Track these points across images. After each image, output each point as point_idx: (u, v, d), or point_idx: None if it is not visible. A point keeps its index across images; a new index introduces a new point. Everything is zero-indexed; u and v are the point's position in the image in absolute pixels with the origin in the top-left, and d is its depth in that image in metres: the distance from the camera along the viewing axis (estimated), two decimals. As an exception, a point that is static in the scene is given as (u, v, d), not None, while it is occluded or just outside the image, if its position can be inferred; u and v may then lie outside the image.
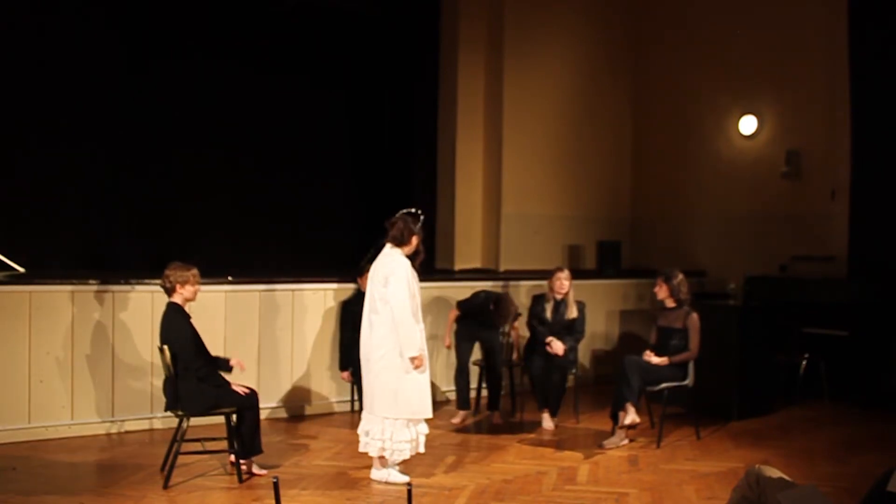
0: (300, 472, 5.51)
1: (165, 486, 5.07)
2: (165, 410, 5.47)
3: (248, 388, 5.44)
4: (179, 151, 9.07)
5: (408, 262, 5.38)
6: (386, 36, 10.33)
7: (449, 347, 7.32)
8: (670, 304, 6.63)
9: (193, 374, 5.23)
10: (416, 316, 5.28)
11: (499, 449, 6.22)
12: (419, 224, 5.45)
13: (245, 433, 5.30)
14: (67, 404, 6.28)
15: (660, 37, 10.32)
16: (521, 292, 8.47)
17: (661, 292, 6.64)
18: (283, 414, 7.15)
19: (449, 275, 8.87)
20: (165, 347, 5.40)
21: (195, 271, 5.46)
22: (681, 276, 6.65)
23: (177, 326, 5.29)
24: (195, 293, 5.47)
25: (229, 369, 5.54)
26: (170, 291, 5.41)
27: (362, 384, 5.50)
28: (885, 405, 7.68)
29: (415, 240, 5.41)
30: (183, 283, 5.39)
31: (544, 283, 7.24)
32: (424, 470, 5.60)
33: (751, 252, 9.14)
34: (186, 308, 5.44)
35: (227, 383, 5.36)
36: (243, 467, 5.31)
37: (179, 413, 5.26)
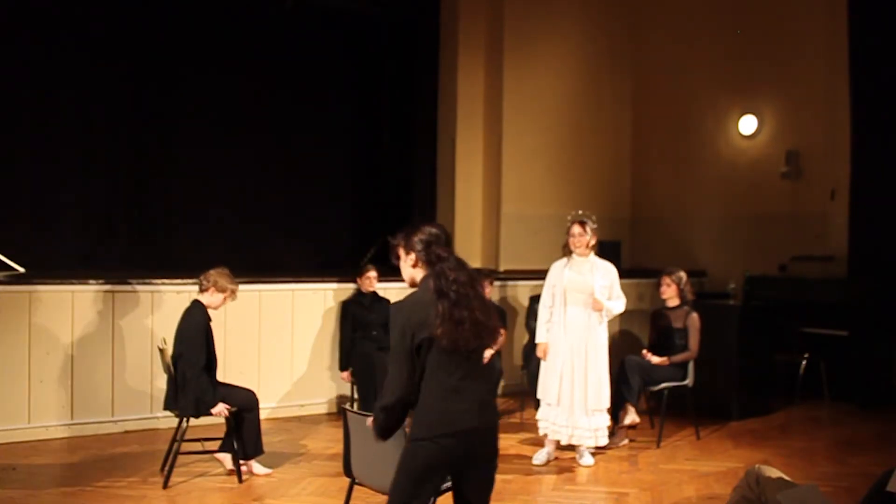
0: (300, 472, 5.51)
1: (165, 486, 5.08)
2: (164, 409, 5.44)
3: (247, 389, 5.44)
4: (180, 151, 9.06)
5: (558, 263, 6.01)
6: (386, 35, 10.32)
7: None
8: (674, 303, 6.65)
9: (198, 371, 5.18)
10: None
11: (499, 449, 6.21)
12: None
13: (246, 434, 5.30)
14: (67, 404, 6.28)
15: (660, 36, 10.31)
16: (521, 292, 8.48)
17: (669, 291, 6.66)
18: (282, 414, 7.15)
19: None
20: (166, 347, 5.40)
21: (236, 288, 5.41)
22: (686, 276, 6.70)
23: (194, 321, 5.24)
24: (220, 305, 5.42)
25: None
26: (202, 289, 5.37)
27: (578, 383, 5.78)
28: (885, 405, 7.68)
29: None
30: (218, 290, 5.33)
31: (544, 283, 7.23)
32: (424, 470, 5.60)
33: (751, 252, 9.14)
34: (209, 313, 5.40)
35: (213, 402, 5.22)
36: (244, 468, 5.31)
37: (177, 414, 5.26)
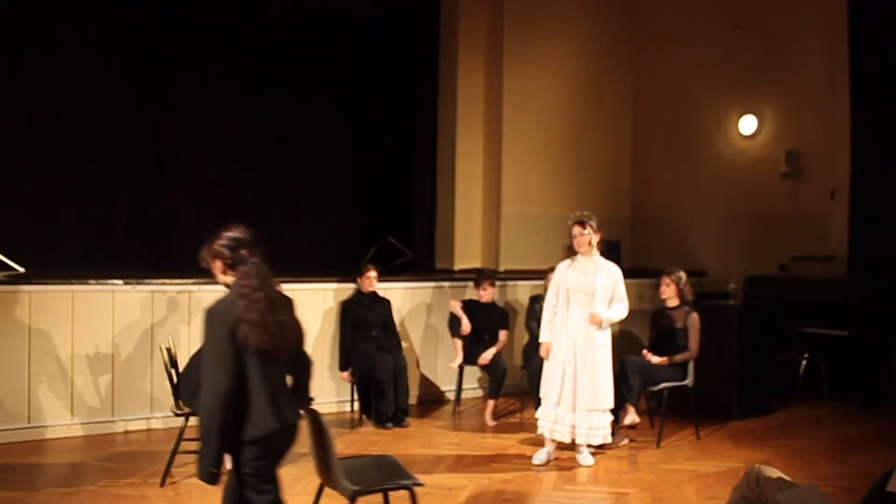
0: (300, 472, 5.51)
1: (162, 485, 5.08)
2: (180, 399, 5.38)
3: None
4: (179, 151, 9.07)
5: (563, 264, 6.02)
6: (385, 35, 10.33)
7: (468, 333, 7.24)
8: (673, 303, 6.65)
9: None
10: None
11: (499, 449, 6.22)
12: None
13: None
14: (67, 404, 6.28)
15: (660, 37, 10.32)
16: (521, 292, 8.48)
17: (668, 291, 6.66)
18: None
19: (449, 274, 8.87)
20: (171, 346, 5.41)
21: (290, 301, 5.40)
22: (686, 276, 6.70)
23: None
24: None
25: None
26: None
27: (579, 382, 5.77)
28: (885, 405, 7.68)
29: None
30: None
31: (544, 283, 7.24)
32: (424, 469, 5.60)
33: (751, 252, 9.15)
34: None
35: None
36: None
37: (178, 413, 5.26)
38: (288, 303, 3.42)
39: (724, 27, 9.50)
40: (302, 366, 3.61)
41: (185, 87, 9.02)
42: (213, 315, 3.18)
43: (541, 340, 5.98)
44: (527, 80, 9.67)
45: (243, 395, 3.16)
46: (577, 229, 5.86)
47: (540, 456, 5.87)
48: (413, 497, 3.85)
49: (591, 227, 5.86)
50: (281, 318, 3.24)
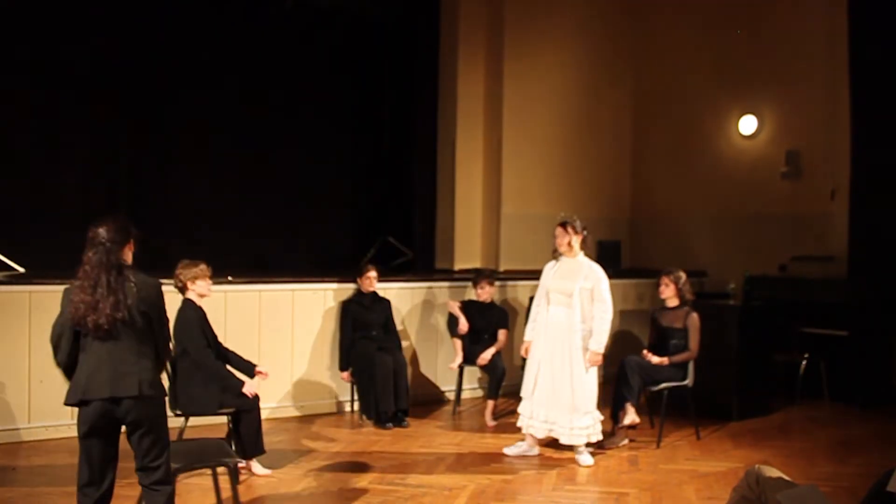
0: (300, 472, 5.51)
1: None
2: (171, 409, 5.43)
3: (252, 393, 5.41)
4: (180, 152, 9.06)
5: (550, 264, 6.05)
6: (386, 36, 10.33)
7: (466, 332, 7.25)
8: (673, 303, 6.65)
9: (205, 371, 5.21)
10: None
11: (499, 449, 6.22)
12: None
13: (247, 434, 5.29)
14: (67, 404, 6.27)
15: (660, 37, 10.32)
16: (521, 292, 8.47)
17: (668, 291, 6.66)
18: (282, 414, 7.15)
19: (448, 274, 8.87)
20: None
21: (203, 266, 5.48)
22: (685, 276, 6.70)
23: (186, 324, 5.27)
24: (207, 288, 5.48)
25: (252, 375, 5.47)
26: (182, 290, 5.43)
27: (557, 382, 5.81)
28: (885, 405, 7.69)
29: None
30: (192, 280, 5.41)
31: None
32: (424, 469, 5.60)
33: (751, 252, 9.15)
34: (202, 304, 5.44)
35: (239, 384, 5.30)
36: (244, 468, 5.30)
37: (178, 413, 5.26)
38: (147, 288, 3.60)
39: (725, 27, 9.50)
40: (158, 354, 3.72)
41: (184, 87, 9.01)
42: (65, 292, 3.62)
43: (524, 339, 6.07)
44: (527, 80, 9.67)
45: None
46: (558, 230, 5.93)
47: (512, 449, 5.99)
48: (233, 474, 4.04)
49: (573, 228, 5.87)
50: (98, 297, 3.46)
